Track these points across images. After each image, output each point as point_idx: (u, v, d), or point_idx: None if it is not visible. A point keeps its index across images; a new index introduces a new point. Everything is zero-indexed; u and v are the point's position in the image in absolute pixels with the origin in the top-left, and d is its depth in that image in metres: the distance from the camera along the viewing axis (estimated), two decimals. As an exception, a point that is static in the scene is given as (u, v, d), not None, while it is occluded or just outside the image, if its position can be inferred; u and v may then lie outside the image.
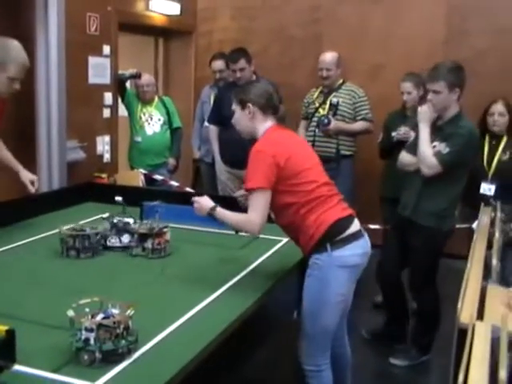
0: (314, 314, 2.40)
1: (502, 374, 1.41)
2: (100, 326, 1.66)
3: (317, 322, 2.41)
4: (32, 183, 3.11)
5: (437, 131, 3.20)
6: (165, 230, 2.76)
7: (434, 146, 3.16)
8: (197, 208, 2.45)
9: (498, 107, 3.82)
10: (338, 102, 4.43)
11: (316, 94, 4.61)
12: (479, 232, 3.04)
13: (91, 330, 1.65)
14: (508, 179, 3.73)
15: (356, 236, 2.40)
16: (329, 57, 4.48)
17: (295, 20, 5.65)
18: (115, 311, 1.74)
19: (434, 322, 3.44)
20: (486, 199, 3.65)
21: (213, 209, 2.39)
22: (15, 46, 2.80)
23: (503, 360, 1.50)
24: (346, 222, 2.40)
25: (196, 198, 2.47)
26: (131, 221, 2.84)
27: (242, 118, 2.49)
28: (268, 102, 2.46)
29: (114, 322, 1.67)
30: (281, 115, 2.53)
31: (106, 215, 2.94)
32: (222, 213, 2.39)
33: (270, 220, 3.15)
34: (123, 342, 1.68)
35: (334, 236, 2.35)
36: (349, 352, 2.75)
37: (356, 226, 2.43)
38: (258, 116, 2.46)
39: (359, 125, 4.47)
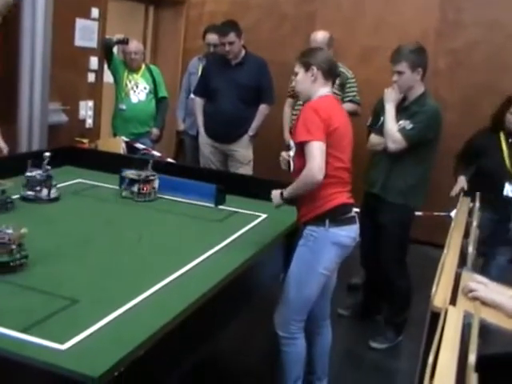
0: (300, 281, 2.53)
1: (472, 358, 1.43)
2: None
3: (300, 289, 2.54)
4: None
5: (403, 111, 3.34)
6: (152, 177, 3.07)
7: (400, 124, 3.29)
8: (273, 198, 2.63)
9: None
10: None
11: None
12: (457, 220, 3.07)
13: None
14: None
15: (352, 221, 2.58)
16: (320, 36, 4.43)
17: (289, -3, 5.59)
18: (9, 231, 1.98)
19: (407, 300, 3.54)
20: (510, 201, 3.59)
21: (282, 192, 2.56)
22: None
23: (473, 345, 1.52)
24: (349, 207, 2.58)
25: (272, 192, 2.65)
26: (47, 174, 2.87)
27: (304, 80, 2.57)
28: (330, 69, 2.58)
29: (9, 239, 1.95)
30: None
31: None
32: (288, 188, 2.55)
33: (249, 196, 3.20)
34: (17, 255, 1.97)
35: (337, 215, 2.51)
36: (330, 333, 2.86)
37: (353, 212, 2.59)
38: (320, 80, 2.55)
39: (346, 106, 4.42)
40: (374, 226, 3.43)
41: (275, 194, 2.62)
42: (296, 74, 2.60)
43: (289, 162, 2.66)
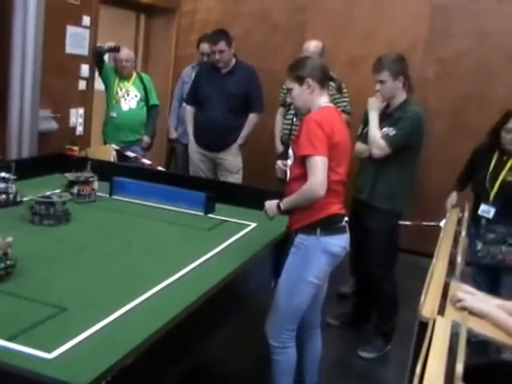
0: (291, 290, 2.52)
1: (459, 367, 1.43)
2: None
3: (291, 298, 2.53)
4: None
5: (386, 118, 3.41)
6: (91, 179, 3.12)
7: (384, 131, 3.35)
8: (268, 209, 2.59)
9: None
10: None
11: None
12: (446, 230, 3.09)
13: None
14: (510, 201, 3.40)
15: (343, 230, 2.58)
16: (313, 46, 4.45)
17: (280, 6, 5.62)
18: None
19: (394, 305, 3.57)
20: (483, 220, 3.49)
21: (279, 202, 2.53)
22: None
23: (461, 354, 1.52)
24: (341, 217, 2.58)
25: (266, 203, 2.61)
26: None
27: (302, 94, 2.52)
28: (324, 74, 2.54)
29: None
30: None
31: None
32: (286, 200, 2.52)
33: (238, 204, 3.20)
34: (2, 265, 1.93)
35: (328, 224, 2.50)
36: (320, 342, 2.85)
37: (344, 222, 2.59)
38: (317, 90, 2.51)
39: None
40: (362, 232, 3.45)
41: (271, 205, 2.58)
42: (290, 90, 2.56)
43: (285, 172, 2.64)
